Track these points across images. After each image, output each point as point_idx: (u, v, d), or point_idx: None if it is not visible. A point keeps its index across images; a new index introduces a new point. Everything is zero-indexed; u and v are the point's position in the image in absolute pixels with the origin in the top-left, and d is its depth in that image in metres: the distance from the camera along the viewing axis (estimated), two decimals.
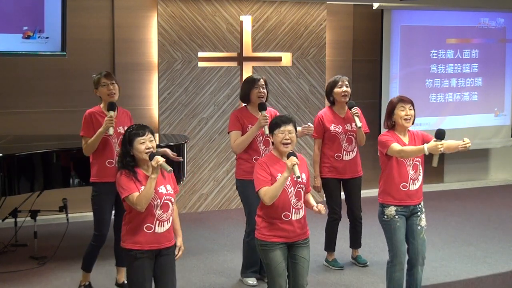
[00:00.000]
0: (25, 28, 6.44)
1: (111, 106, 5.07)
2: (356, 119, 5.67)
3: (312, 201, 4.36)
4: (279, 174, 4.17)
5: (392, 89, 8.91)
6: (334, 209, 5.92)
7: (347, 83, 5.82)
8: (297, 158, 4.11)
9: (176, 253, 4.14)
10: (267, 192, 4.13)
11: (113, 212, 5.29)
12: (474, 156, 9.65)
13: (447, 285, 5.66)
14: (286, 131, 4.21)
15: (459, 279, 5.77)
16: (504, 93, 9.72)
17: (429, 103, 9.15)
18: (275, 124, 4.26)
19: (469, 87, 9.48)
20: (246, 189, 5.42)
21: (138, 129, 4.00)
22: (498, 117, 9.71)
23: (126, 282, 5.34)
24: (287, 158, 4.13)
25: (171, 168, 3.96)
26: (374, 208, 8.12)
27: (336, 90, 5.79)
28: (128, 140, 3.99)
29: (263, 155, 5.37)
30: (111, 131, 4.99)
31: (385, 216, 4.77)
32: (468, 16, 9.34)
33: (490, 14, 9.46)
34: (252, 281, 5.53)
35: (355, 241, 6.10)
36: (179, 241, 4.17)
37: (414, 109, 4.78)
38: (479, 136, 9.58)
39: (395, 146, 4.66)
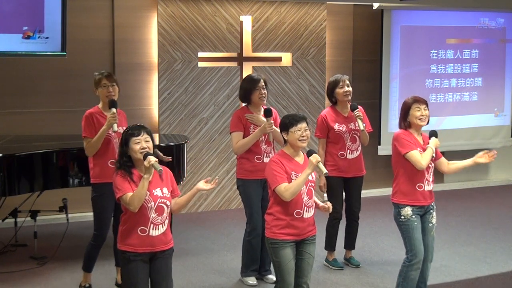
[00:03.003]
0: (25, 28, 6.44)
1: (113, 104, 5.09)
2: (359, 121, 5.67)
3: (317, 200, 4.44)
4: (293, 172, 4.25)
5: (392, 89, 8.91)
6: (335, 209, 5.87)
7: (348, 82, 5.81)
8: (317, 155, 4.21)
9: (207, 186, 4.05)
10: (288, 188, 4.19)
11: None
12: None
13: (447, 285, 5.66)
14: (303, 128, 4.29)
15: (459, 279, 5.77)
16: (504, 93, 9.72)
17: (429, 103, 9.06)
18: (289, 123, 4.32)
19: (469, 87, 9.48)
20: (248, 189, 5.44)
21: (134, 130, 4.00)
22: (498, 117, 9.71)
23: None
24: (308, 156, 4.22)
25: (162, 169, 3.94)
26: (374, 208, 8.20)
27: (338, 90, 5.79)
28: (124, 140, 4.00)
29: (265, 154, 5.39)
30: (115, 127, 5.00)
31: (402, 217, 4.75)
32: (468, 16, 9.34)
33: (490, 14, 9.46)
34: (252, 280, 5.53)
35: (350, 242, 6.08)
36: (198, 188, 4.06)
37: (428, 109, 4.83)
38: (479, 136, 9.58)
39: (416, 155, 4.65)
